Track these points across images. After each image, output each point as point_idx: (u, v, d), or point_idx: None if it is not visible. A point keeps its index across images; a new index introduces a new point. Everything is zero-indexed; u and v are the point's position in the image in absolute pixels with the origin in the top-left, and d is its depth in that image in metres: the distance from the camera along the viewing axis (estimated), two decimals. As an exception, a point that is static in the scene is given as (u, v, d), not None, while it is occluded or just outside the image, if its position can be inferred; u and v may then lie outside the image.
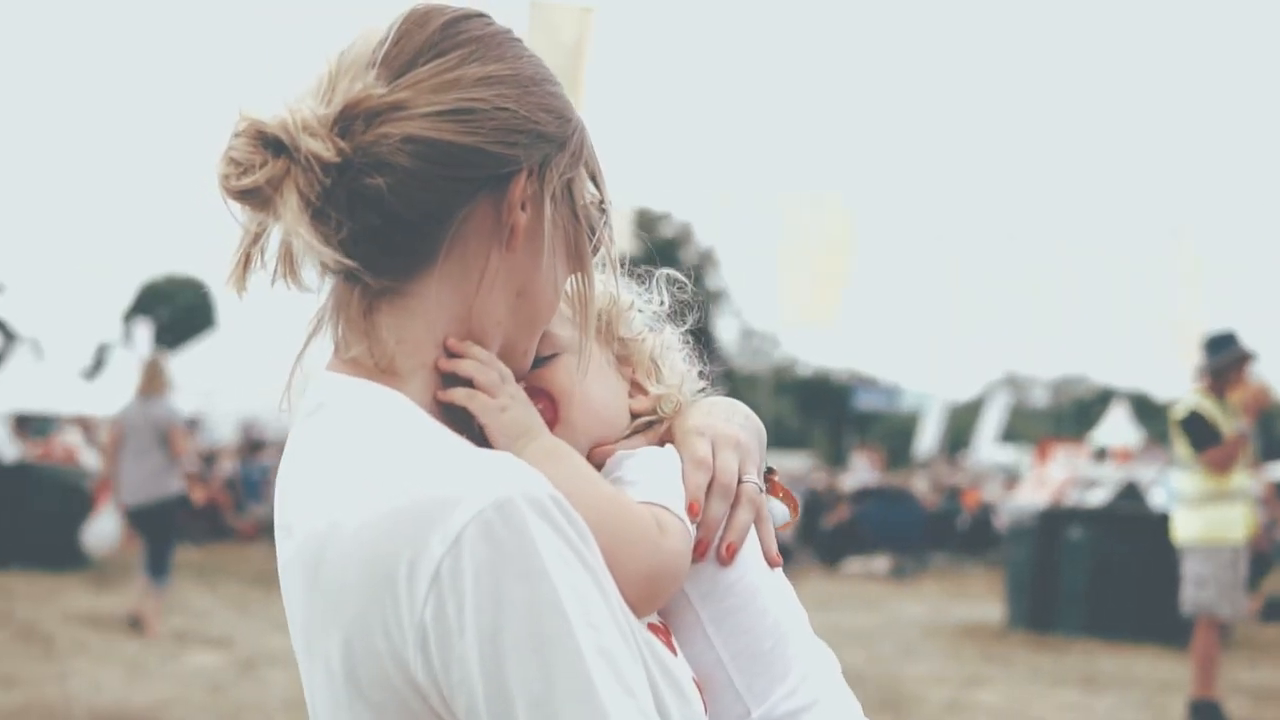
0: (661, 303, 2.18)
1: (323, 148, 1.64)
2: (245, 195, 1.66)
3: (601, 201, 1.93)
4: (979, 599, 19.70)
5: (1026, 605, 16.41)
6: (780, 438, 47.47)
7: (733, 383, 58.79)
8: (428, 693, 1.57)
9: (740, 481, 1.98)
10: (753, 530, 1.99)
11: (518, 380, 1.91)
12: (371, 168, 1.66)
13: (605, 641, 1.55)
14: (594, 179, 1.92)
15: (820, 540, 25.40)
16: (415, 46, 1.73)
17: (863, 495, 27.17)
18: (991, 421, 40.87)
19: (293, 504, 1.71)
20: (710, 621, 1.92)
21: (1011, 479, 32.01)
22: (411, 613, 1.53)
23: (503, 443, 1.79)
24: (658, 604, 1.82)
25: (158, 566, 14.06)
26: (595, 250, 1.94)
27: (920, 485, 29.67)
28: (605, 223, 1.94)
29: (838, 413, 54.16)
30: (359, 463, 1.65)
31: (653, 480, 1.90)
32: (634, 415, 2.07)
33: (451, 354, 1.80)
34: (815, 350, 63.38)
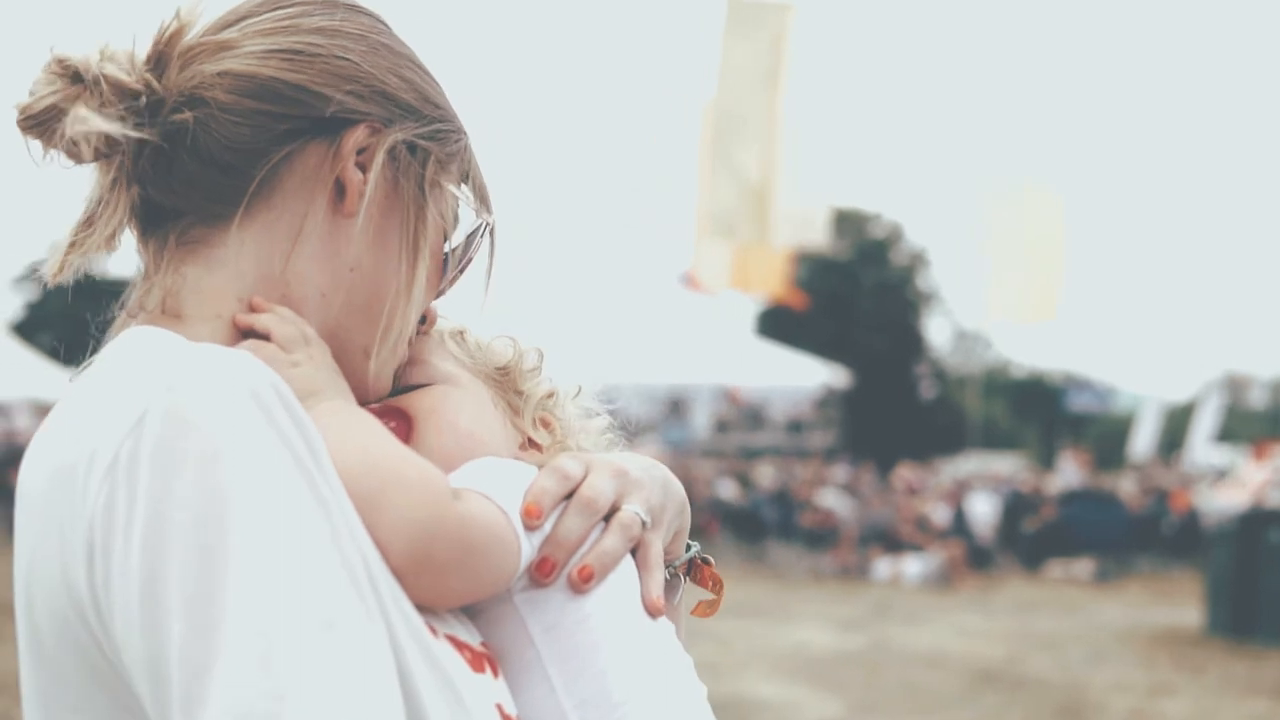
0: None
1: (123, 74, 1.51)
2: (32, 123, 1.51)
3: (485, 210, 1.75)
4: (1180, 604, 19.19)
5: (1227, 611, 15.94)
6: (991, 439, 46.83)
7: (944, 384, 58.60)
8: (91, 621, 1.32)
9: (617, 509, 1.69)
10: (633, 573, 1.70)
11: (368, 400, 1.69)
12: (182, 103, 1.53)
13: (306, 558, 1.29)
14: (467, 182, 1.73)
15: (1022, 543, 24.99)
16: (258, 1, 1.60)
17: (1069, 498, 26.68)
18: (1207, 422, 39.77)
19: None
20: (553, 661, 1.63)
21: (1224, 481, 31.15)
22: (84, 510, 1.30)
23: None
24: (437, 579, 1.50)
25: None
26: (460, 260, 1.75)
27: (1127, 487, 29.01)
28: (480, 236, 1.76)
29: (1050, 414, 53.24)
30: (85, 394, 1.44)
31: (477, 475, 1.64)
32: None
33: (255, 312, 1.60)
34: (1029, 351, 62.45)
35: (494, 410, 1.82)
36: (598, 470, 1.70)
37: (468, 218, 1.76)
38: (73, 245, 1.55)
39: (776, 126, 21.57)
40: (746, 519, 23.92)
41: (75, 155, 1.51)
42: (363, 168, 1.59)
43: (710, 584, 1.89)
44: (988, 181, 29.24)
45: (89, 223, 1.55)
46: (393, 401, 1.74)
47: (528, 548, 1.60)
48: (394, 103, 1.62)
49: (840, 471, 28.30)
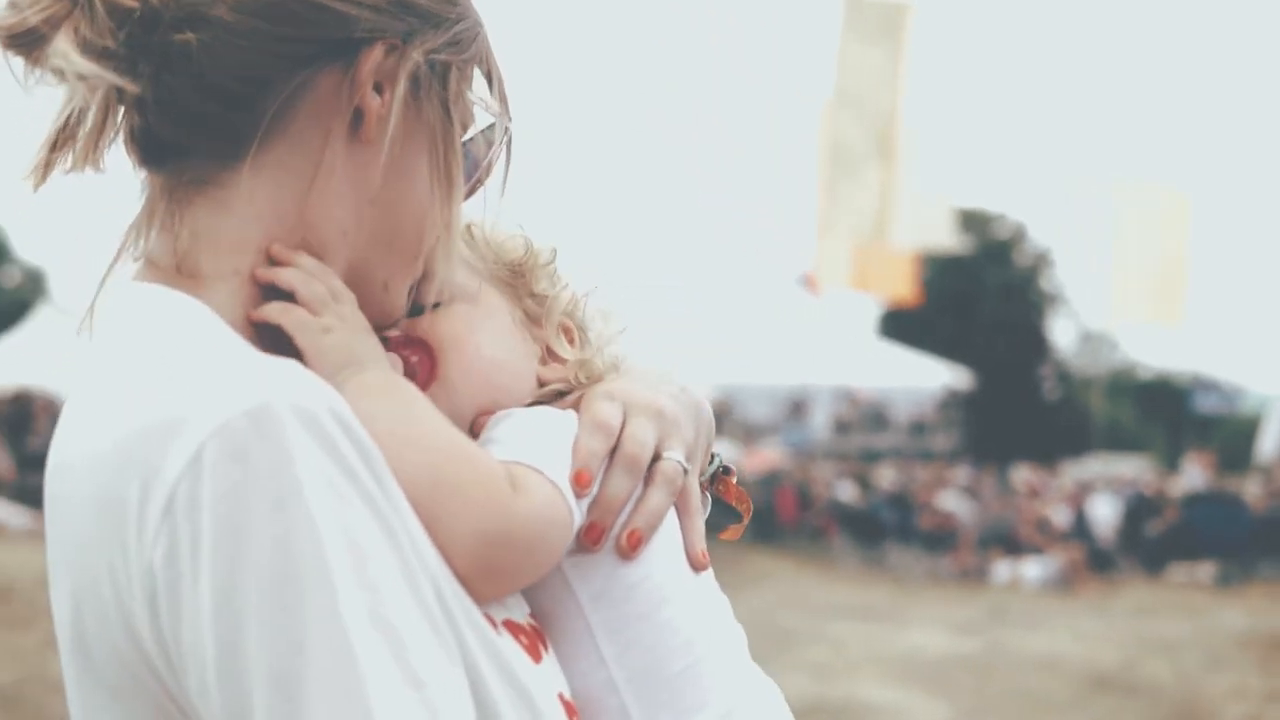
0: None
1: None
2: (16, 40, 1.40)
3: (504, 112, 1.64)
4: (1305, 609, 18.96)
5: (1350, 617, 15.75)
6: (1116, 441, 46.25)
7: (1068, 386, 57.85)
8: (160, 670, 1.27)
9: (658, 458, 1.64)
10: (674, 522, 1.65)
11: (387, 327, 1.63)
12: (183, 21, 1.39)
13: (386, 609, 1.24)
14: (488, 81, 1.62)
15: (1144, 546, 24.73)
16: None
17: (1192, 500, 26.35)
18: (1338, 423, 38.99)
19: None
20: (602, 631, 1.57)
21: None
22: (140, 555, 1.23)
23: (322, 371, 1.43)
24: (504, 582, 1.48)
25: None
26: (481, 170, 1.65)
27: (1253, 490, 28.58)
28: (500, 139, 1.65)
29: (1176, 416, 52.46)
30: (109, 382, 1.37)
31: (523, 439, 1.57)
32: (542, 384, 1.74)
33: (277, 264, 1.50)
34: (1155, 352, 61.58)
35: (513, 326, 1.74)
36: (636, 416, 1.63)
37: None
38: (50, 163, 1.46)
39: (896, 126, 21.59)
40: (865, 521, 23.92)
41: (62, 79, 1.40)
42: (380, 90, 1.49)
43: (734, 499, 1.85)
44: (1114, 182, 28.97)
45: (66, 137, 1.45)
46: (411, 329, 1.66)
47: (578, 515, 1.54)
48: (411, 11, 1.50)
49: (961, 473, 28.20)
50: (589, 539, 1.56)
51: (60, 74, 1.39)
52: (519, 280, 1.77)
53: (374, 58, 1.47)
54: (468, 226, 1.75)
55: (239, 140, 1.44)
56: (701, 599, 1.64)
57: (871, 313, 45.79)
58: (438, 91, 1.53)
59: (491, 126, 1.64)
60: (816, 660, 13.44)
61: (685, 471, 1.66)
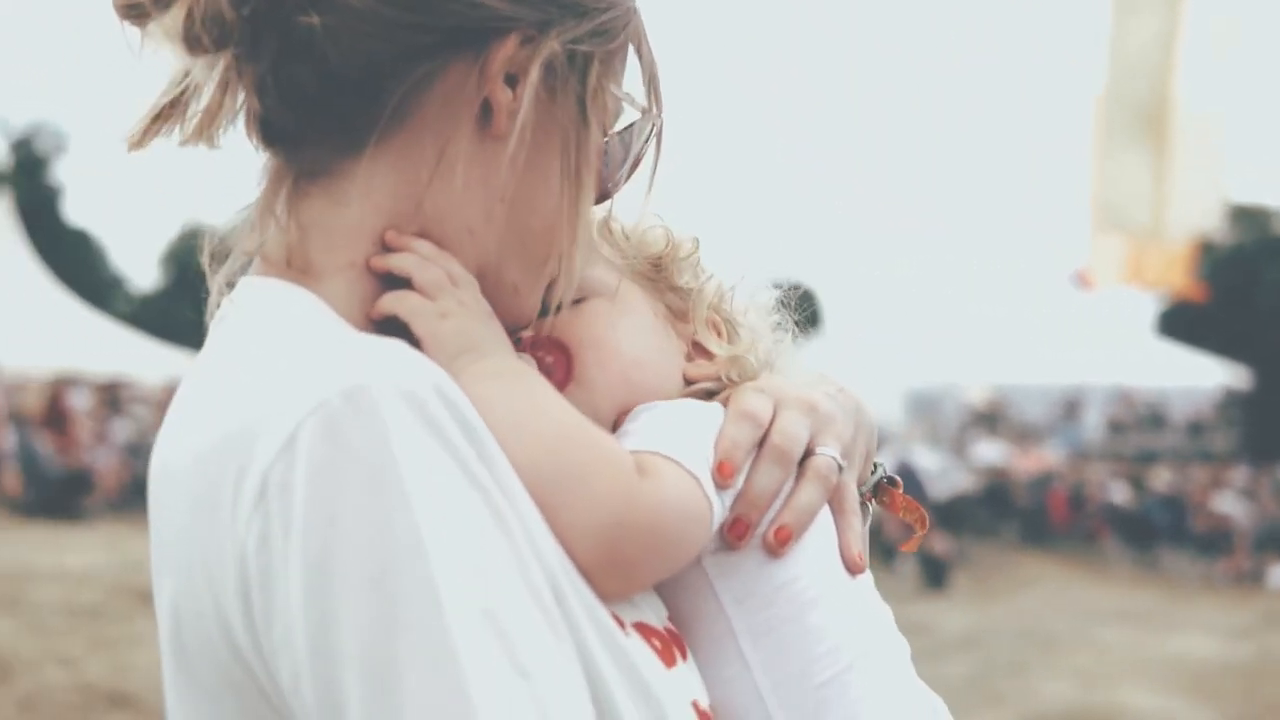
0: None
1: None
2: (134, 11, 1.37)
3: (651, 110, 1.55)
4: None
5: None
6: None
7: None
8: (254, 667, 1.22)
9: (811, 454, 1.55)
10: (829, 522, 1.56)
11: (521, 331, 1.57)
12: (308, 2, 1.34)
13: (491, 595, 1.16)
14: (649, 74, 1.55)
15: None
16: None
17: None
18: None
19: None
20: (746, 635, 1.48)
21: None
22: (235, 544, 1.19)
23: (439, 359, 1.36)
24: (631, 576, 1.39)
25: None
26: (625, 168, 1.57)
27: None
28: (645, 137, 1.57)
29: None
30: (210, 384, 1.34)
31: (660, 429, 1.49)
32: (689, 382, 1.65)
33: (392, 251, 1.44)
34: None
35: (655, 322, 1.66)
36: (787, 409, 1.55)
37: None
38: (158, 117, 1.43)
39: (1171, 115, 21.22)
40: (1137, 523, 23.66)
41: (189, 43, 1.35)
42: (513, 83, 1.42)
43: (902, 510, 1.74)
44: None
45: (179, 103, 1.42)
46: (545, 329, 1.59)
47: (719, 507, 1.45)
48: (552, 1, 1.43)
49: (1239, 475, 27.61)
50: (733, 535, 1.47)
51: (193, 31, 1.34)
52: (660, 275, 1.69)
53: (506, 49, 1.40)
54: (604, 220, 1.68)
55: (359, 130, 1.40)
56: (855, 605, 1.54)
57: (1147, 309, 44.91)
58: (574, 86, 1.45)
59: (636, 124, 1.56)
60: (1081, 665, 13.45)
61: (840, 468, 1.57)
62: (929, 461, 22.92)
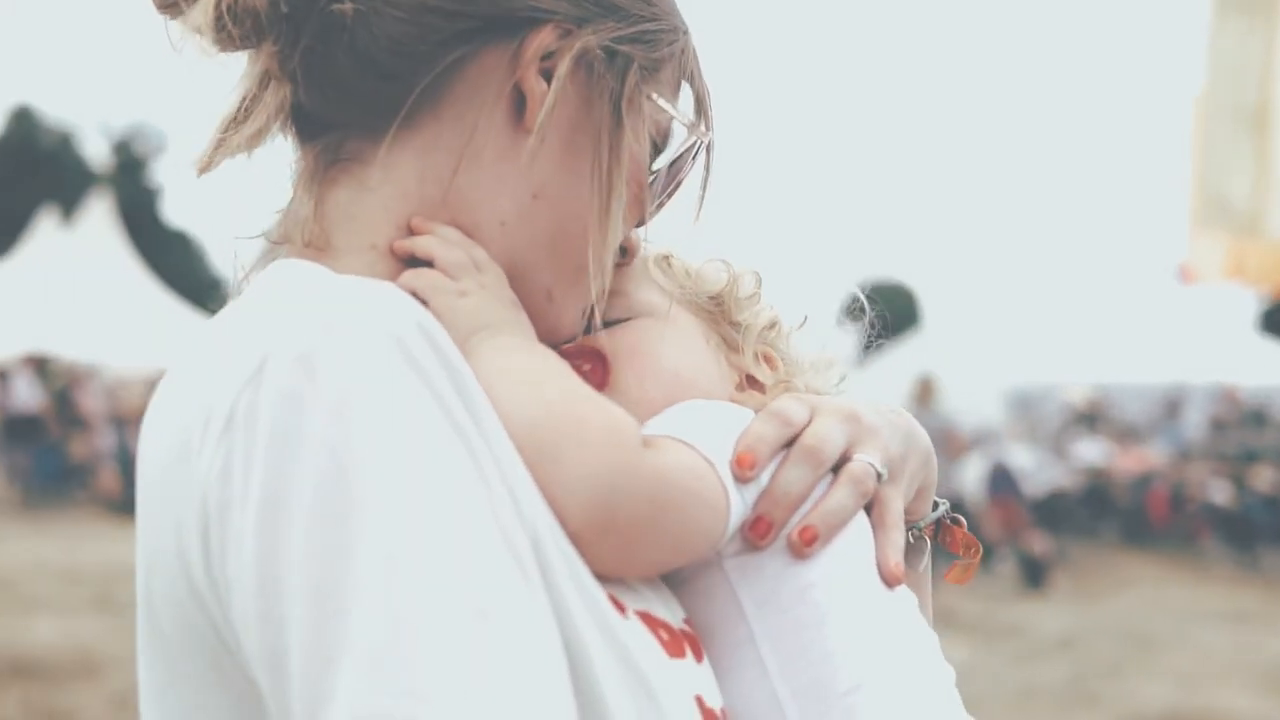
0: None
1: None
2: (166, 5, 1.40)
3: (700, 126, 1.53)
4: None
5: None
6: None
7: None
8: (209, 604, 1.15)
9: (848, 460, 1.48)
10: (866, 533, 1.49)
11: (558, 342, 1.52)
12: None
13: (455, 534, 1.09)
14: (696, 94, 1.53)
15: None
16: None
17: None
18: None
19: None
20: (766, 640, 1.41)
21: None
22: (198, 476, 1.13)
23: (456, 336, 1.31)
24: (624, 546, 1.30)
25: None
26: (669, 183, 1.55)
27: None
28: (694, 155, 1.55)
29: None
30: (197, 343, 1.27)
31: (683, 419, 1.45)
32: None
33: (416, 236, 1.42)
34: None
35: (705, 346, 1.61)
36: (825, 414, 1.49)
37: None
38: (220, 144, 1.43)
39: (1272, 115, 21.01)
40: (1239, 523, 23.45)
41: (223, 37, 1.37)
42: (549, 77, 1.40)
43: (962, 548, 1.66)
44: None
45: (236, 120, 1.43)
46: (586, 340, 1.54)
47: (740, 504, 1.39)
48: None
49: (1345, 475, 27.24)
50: (755, 533, 1.41)
51: (225, 24, 1.34)
52: (719, 309, 1.64)
53: (541, 39, 1.39)
54: (665, 256, 1.65)
55: (387, 114, 1.39)
56: (888, 618, 1.46)
57: (1249, 307, 44.35)
58: (610, 86, 1.42)
59: (683, 142, 1.53)
60: (1179, 667, 13.38)
61: (879, 477, 1.49)
62: (1026, 459, 22.85)
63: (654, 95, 1.47)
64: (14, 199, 48.44)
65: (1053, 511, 21.48)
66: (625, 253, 1.57)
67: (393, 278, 1.37)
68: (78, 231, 31.30)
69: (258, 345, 1.15)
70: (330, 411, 1.09)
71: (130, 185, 59.06)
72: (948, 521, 1.68)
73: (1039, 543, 18.31)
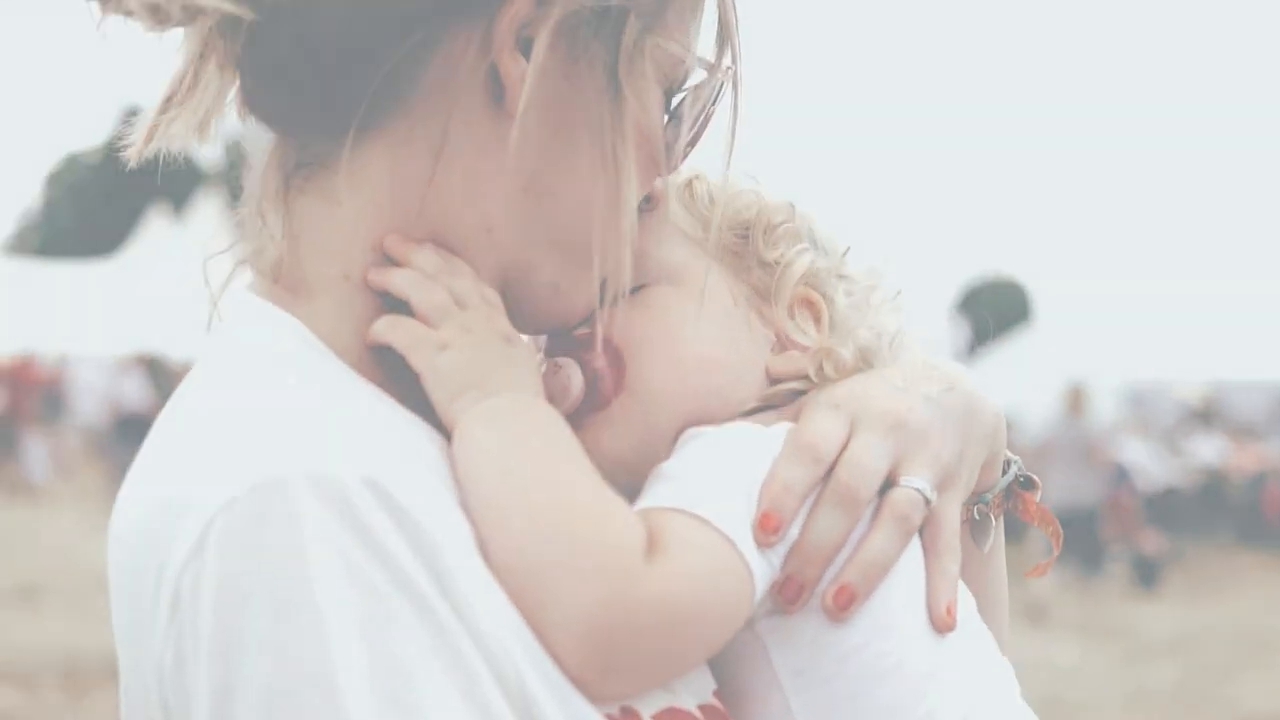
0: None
1: None
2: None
3: (721, 65, 1.32)
4: None
5: None
6: None
7: None
8: None
9: (895, 486, 1.32)
10: (916, 565, 1.33)
11: (571, 329, 1.39)
12: None
13: None
14: (720, 30, 1.32)
15: None
16: None
17: None
18: None
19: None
20: (804, 714, 1.28)
21: None
22: (154, 653, 1.10)
23: (439, 399, 1.23)
24: (635, 679, 1.18)
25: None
26: (687, 136, 1.34)
27: None
28: (715, 96, 1.34)
29: None
30: (170, 435, 1.20)
31: (700, 472, 1.28)
32: (774, 380, 1.42)
33: (392, 260, 1.26)
34: None
35: (733, 308, 1.43)
36: (864, 431, 1.32)
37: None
38: (156, 128, 1.30)
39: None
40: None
41: (155, 17, 1.20)
42: (529, 51, 1.22)
43: (1038, 520, 1.51)
44: None
45: (174, 100, 1.28)
46: (602, 325, 1.34)
47: (765, 567, 1.25)
48: None
49: None
50: (784, 598, 1.26)
51: (145, 17, 1.20)
52: (746, 247, 1.46)
53: (515, 10, 1.21)
54: (688, 183, 1.48)
55: (343, 113, 1.22)
56: (946, 671, 1.31)
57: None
58: (600, 52, 1.24)
59: (702, 83, 1.34)
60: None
61: (927, 502, 1.33)
62: (1140, 454, 22.66)
63: (661, 43, 1.28)
64: (124, 198, 49.23)
65: (1167, 510, 21.29)
66: (648, 200, 1.41)
67: (369, 314, 1.26)
68: (188, 230, 31.77)
69: (199, 501, 1.08)
70: (271, 608, 1.03)
71: (240, 184, 59.90)
72: (1018, 488, 1.51)
73: (1152, 542, 18.16)
